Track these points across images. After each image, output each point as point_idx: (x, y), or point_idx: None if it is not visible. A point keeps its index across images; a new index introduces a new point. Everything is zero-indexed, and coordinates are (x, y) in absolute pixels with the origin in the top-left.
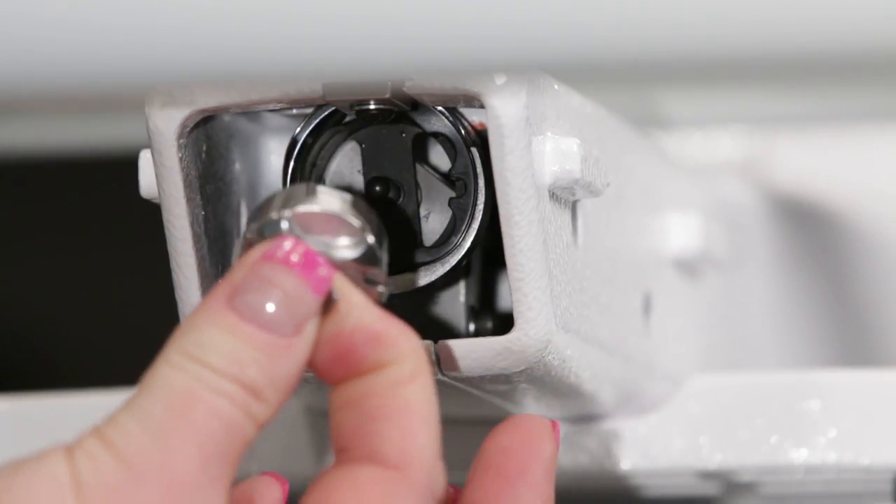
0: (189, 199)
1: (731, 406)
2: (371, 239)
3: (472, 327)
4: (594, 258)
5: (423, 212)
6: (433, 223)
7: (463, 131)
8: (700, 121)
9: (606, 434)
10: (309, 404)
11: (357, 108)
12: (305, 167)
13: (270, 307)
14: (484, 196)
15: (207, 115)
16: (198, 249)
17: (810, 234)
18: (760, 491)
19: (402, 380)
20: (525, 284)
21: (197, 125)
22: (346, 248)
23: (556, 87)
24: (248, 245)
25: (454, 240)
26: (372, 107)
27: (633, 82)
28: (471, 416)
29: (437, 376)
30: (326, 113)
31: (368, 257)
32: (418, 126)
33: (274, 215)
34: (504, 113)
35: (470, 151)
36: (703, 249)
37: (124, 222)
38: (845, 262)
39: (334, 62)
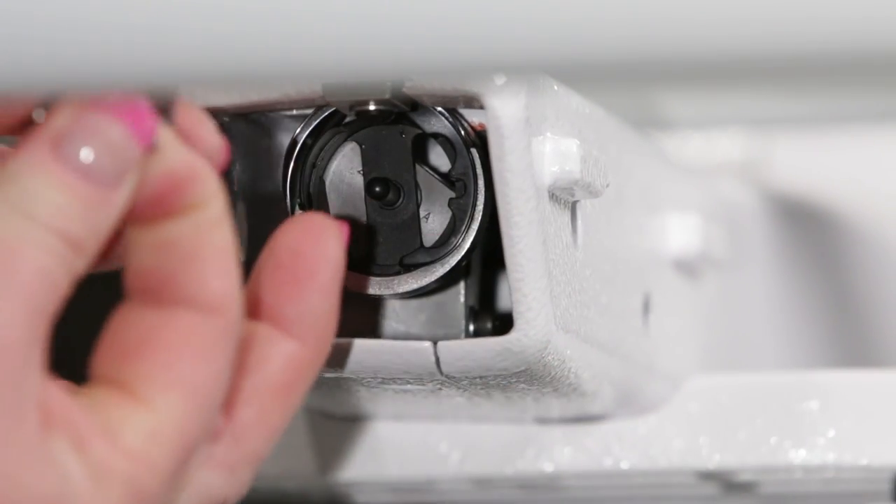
0: None
1: (730, 406)
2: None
3: (471, 328)
4: (594, 258)
5: (422, 212)
6: (433, 224)
7: (463, 132)
8: (700, 121)
9: (606, 434)
10: (309, 404)
11: (357, 108)
12: (305, 168)
13: (95, 157)
14: (484, 197)
15: None
16: None
17: (809, 234)
18: (759, 491)
19: (213, 221)
20: (525, 285)
21: None
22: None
23: (555, 87)
24: None
25: (454, 240)
26: (372, 107)
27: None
28: None
29: (437, 377)
30: (326, 114)
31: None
32: (418, 127)
33: None
34: (504, 113)
35: (470, 152)
36: (702, 250)
37: None
38: (844, 263)
39: (334, 63)
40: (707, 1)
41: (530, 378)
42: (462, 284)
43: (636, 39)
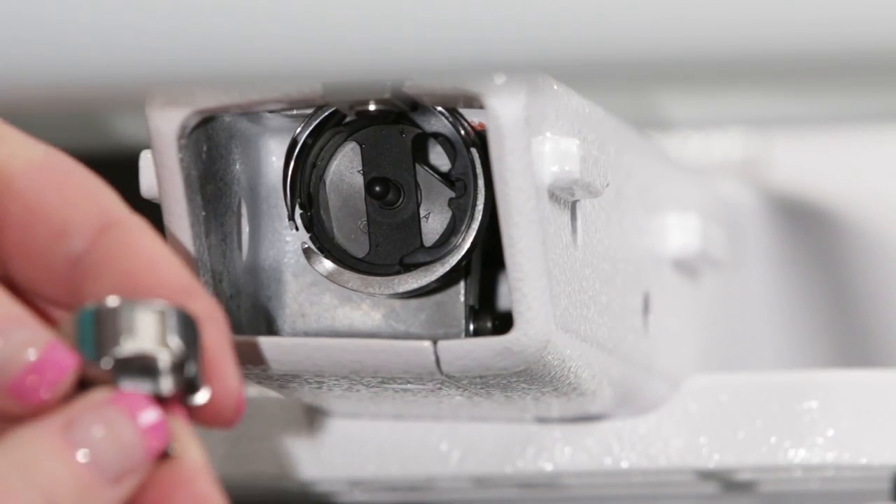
0: (189, 200)
1: (729, 406)
2: (193, 368)
3: (472, 327)
4: (593, 258)
5: (423, 212)
6: (433, 223)
7: (463, 132)
8: (699, 121)
9: (606, 434)
10: (309, 403)
11: (357, 108)
12: (305, 168)
13: (100, 449)
14: (483, 196)
15: (208, 116)
16: (198, 249)
17: (808, 234)
18: (759, 490)
19: None
20: (524, 284)
21: (197, 126)
22: (165, 381)
23: (555, 87)
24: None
25: (454, 240)
26: (372, 107)
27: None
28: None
29: (437, 376)
30: (326, 113)
31: (185, 382)
32: (418, 126)
33: (104, 363)
34: (503, 113)
35: (469, 152)
36: (701, 249)
37: None
38: (843, 263)
39: (334, 62)
40: (707, 1)
41: (530, 377)
42: (462, 284)
43: (636, 39)
